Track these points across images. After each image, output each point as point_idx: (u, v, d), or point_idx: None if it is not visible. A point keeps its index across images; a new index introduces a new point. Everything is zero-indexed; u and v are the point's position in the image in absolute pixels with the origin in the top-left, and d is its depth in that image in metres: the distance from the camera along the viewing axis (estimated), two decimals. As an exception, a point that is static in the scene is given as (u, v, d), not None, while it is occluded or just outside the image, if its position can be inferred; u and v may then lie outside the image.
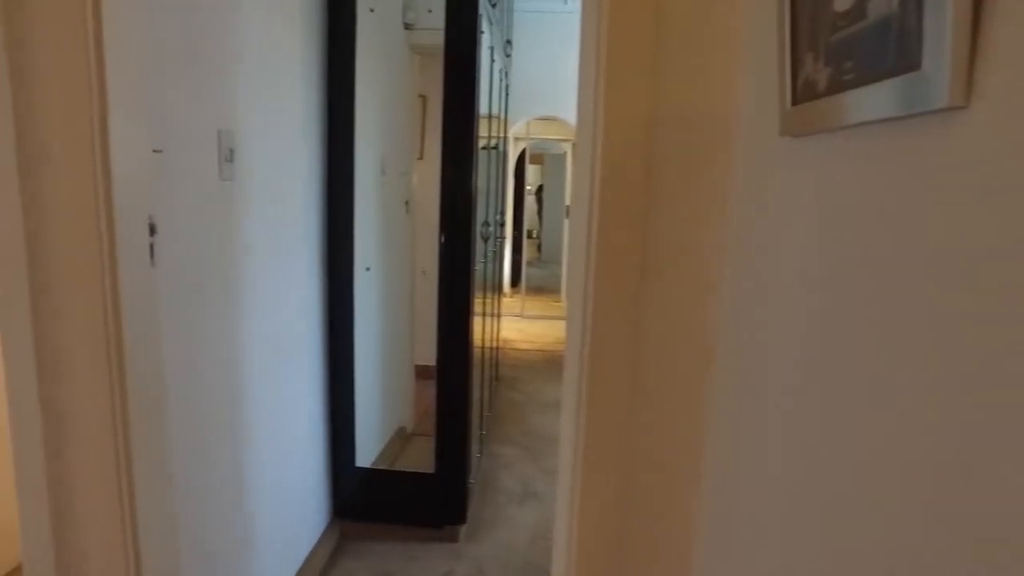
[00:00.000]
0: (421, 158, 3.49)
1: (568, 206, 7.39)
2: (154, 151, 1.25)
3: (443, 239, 2.28)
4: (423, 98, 3.57)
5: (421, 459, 2.82)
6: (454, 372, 2.39)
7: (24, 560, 1.23)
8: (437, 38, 2.33)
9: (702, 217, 1.00)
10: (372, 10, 2.41)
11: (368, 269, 2.61)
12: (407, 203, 3.24)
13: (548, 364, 5.30)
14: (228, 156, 1.57)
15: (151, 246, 1.22)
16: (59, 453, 1.17)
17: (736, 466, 0.84)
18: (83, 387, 1.14)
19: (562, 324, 6.77)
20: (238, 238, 1.66)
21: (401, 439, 3.28)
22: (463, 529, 2.54)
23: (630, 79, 1.23)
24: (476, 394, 2.81)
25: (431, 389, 2.47)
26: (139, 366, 1.18)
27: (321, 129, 2.21)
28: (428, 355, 2.60)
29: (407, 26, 3.06)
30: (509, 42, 4.12)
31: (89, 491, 1.19)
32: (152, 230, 1.23)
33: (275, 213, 1.88)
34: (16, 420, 1.16)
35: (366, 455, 2.63)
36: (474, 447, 2.78)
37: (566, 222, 7.45)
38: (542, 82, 5.86)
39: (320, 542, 2.31)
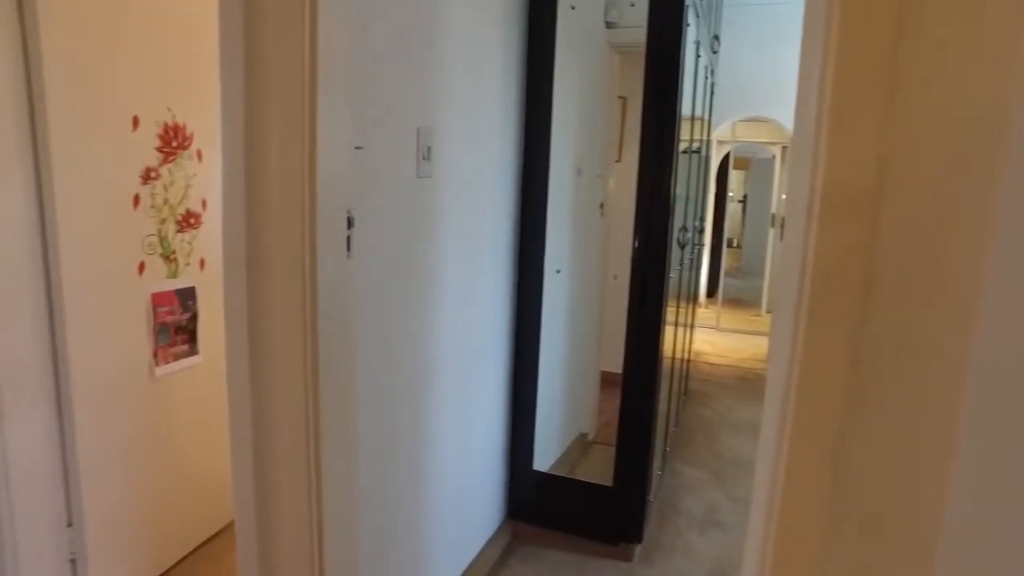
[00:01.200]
0: (619, 161, 3.40)
1: (775, 214, 6.81)
2: (356, 148, 1.31)
3: (637, 244, 2.17)
4: (623, 99, 3.48)
5: (600, 469, 2.73)
6: (641, 382, 2.27)
7: (236, 518, 1.36)
8: (639, 36, 2.23)
9: (955, 231, 0.79)
10: (573, 7, 2.37)
11: (559, 271, 2.58)
12: (602, 206, 3.17)
13: (742, 382, 4.91)
14: (426, 154, 1.61)
15: (348, 239, 1.28)
16: (262, 424, 1.27)
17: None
18: (283, 369, 1.22)
19: (759, 340, 6.27)
20: (432, 235, 1.70)
21: (581, 446, 3.23)
22: (638, 549, 2.41)
23: (864, 72, 1.03)
24: (662, 407, 2.65)
25: (616, 398, 2.37)
26: (332, 353, 1.24)
27: (518, 128, 2.22)
28: (615, 362, 2.51)
29: (608, 24, 2.99)
30: (716, 37, 3.87)
31: (284, 461, 1.28)
32: (350, 223, 1.28)
33: (469, 211, 1.91)
34: (231, 396, 1.28)
35: (544, 459, 2.60)
36: (656, 463, 2.63)
37: (771, 231, 6.88)
38: (751, 80, 5.45)
39: (492, 540, 2.32)
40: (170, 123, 2.01)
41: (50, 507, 1.84)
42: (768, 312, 6.99)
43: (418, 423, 1.73)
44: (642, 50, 2.17)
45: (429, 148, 1.62)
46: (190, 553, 2.30)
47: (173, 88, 2.01)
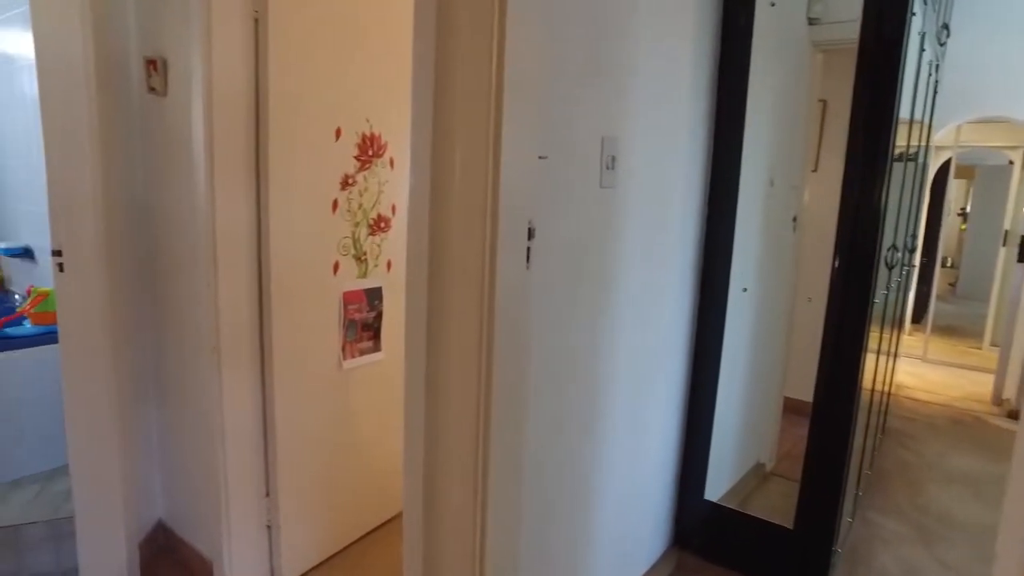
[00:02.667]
0: (815, 170, 3.10)
1: (1008, 231, 5.83)
2: (540, 158, 1.29)
3: (837, 263, 1.94)
4: (822, 103, 3.17)
5: (777, 505, 2.50)
6: (834, 414, 2.03)
7: (404, 518, 1.40)
8: (847, 32, 1.99)
9: None
10: (773, 4, 2.18)
11: (745, 290, 2.40)
12: (794, 219, 2.90)
13: (955, 424, 4.25)
14: (610, 163, 1.56)
15: (528, 249, 1.26)
16: (434, 427, 1.30)
17: None
18: (457, 375, 1.23)
19: (978, 376, 5.39)
20: (613, 248, 1.64)
21: (757, 477, 2.98)
22: (821, 604, 2.15)
23: None
24: (857, 443, 2.35)
25: (798, 426, 2.15)
26: (506, 362, 1.23)
27: (707, 134, 2.09)
28: (798, 388, 2.28)
29: (812, 20, 2.73)
30: (946, 27, 3.38)
31: (452, 466, 1.29)
32: (530, 234, 1.26)
33: (652, 223, 1.82)
34: (408, 397, 1.31)
35: (716, 487, 2.43)
36: (846, 508, 2.34)
37: (1002, 250, 5.91)
38: (984, 76, 4.71)
39: (656, 567, 2.20)
40: (367, 133, 2.15)
41: (254, 477, 2.05)
42: (994, 345, 6.00)
43: (588, 440, 1.67)
44: (851, 46, 1.94)
45: (613, 158, 1.56)
46: (365, 535, 2.45)
47: (371, 100, 2.15)
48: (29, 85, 2.83)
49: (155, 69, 1.93)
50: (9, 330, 2.51)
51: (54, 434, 2.22)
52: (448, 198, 1.21)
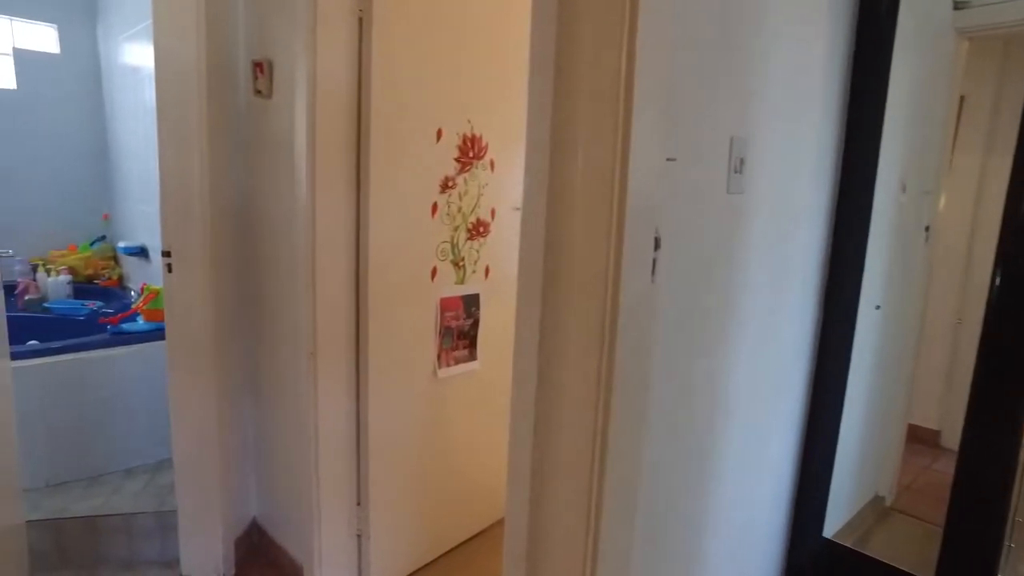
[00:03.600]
0: (949, 173, 2.79)
1: None
2: (667, 160, 1.16)
3: (999, 280, 1.69)
4: (961, 98, 2.84)
5: (901, 546, 2.24)
6: (991, 452, 1.77)
7: (507, 517, 1.30)
8: (1000, 15, 1.75)
9: None
10: (921, -13, 1.94)
11: (878, 307, 2.16)
12: (927, 229, 2.61)
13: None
14: (738, 167, 1.40)
15: (653, 261, 1.13)
16: (543, 454, 1.19)
17: None
18: (572, 397, 1.12)
19: None
20: (737, 260, 1.49)
21: (875, 511, 2.69)
22: (965, 668, 1.89)
23: None
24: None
25: (920, 456, 1.90)
26: (627, 386, 1.11)
27: (837, 133, 1.88)
28: (923, 415, 2.04)
29: (959, 5, 2.44)
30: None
31: (562, 495, 1.18)
32: (656, 244, 1.14)
33: (778, 233, 1.65)
34: (515, 417, 1.21)
35: (830, 520, 2.20)
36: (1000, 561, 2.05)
37: None
38: None
39: (768, 609, 2.01)
40: (468, 134, 2.08)
41: (346, 485, 2.02)
42: None
43: (701, 468, 1.52)
44: (1003, 31, 1.70)
45: (742, 160, 1.40)
46: (456, 547, 2.38)
47: (472, 100, 2.08)
48: (149, 94, 2.95)
49: (261, 72, 1.93)
50: (125, 326, 2.62)
51: (162, 427, 2.28)
52: (567, 204, 1.10)
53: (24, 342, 2.91)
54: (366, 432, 1.97)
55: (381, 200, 1.85)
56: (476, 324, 2.22)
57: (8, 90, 3.49)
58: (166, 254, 1.91)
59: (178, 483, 2.11)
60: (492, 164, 2.18)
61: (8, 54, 3.49)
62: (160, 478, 2.51)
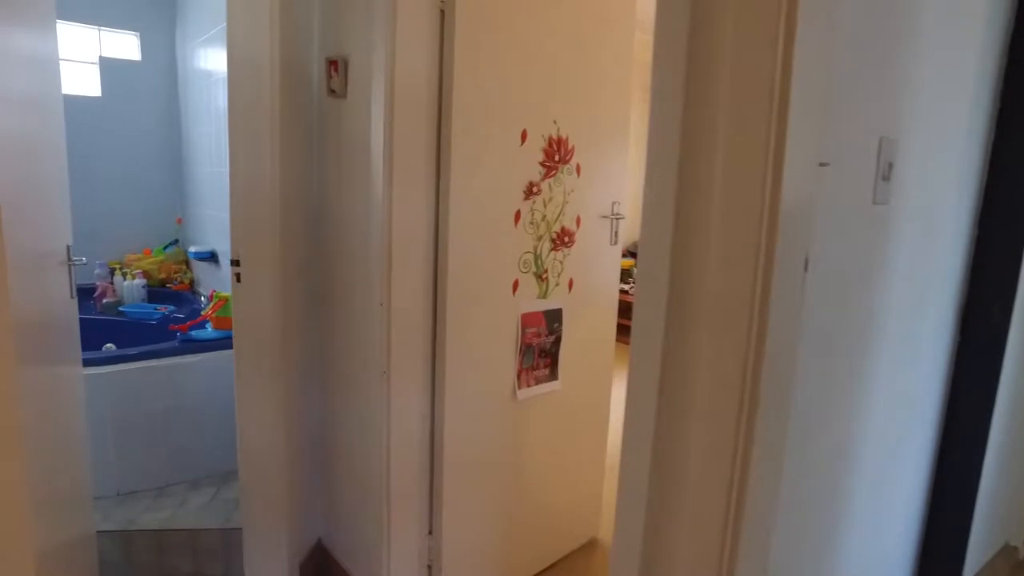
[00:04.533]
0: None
1: None
2: (820, 164, 0.96)
3: None
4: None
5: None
6: None
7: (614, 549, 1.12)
8: None
9: None
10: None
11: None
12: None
13: None
14: (886, 172, 1.18)
15: (802, 285, 0.94)
16: (661, 506, 1.00)
17: None
18: (701, 449, 0.93)
19: None
20: (879, 277, 1.26)
21: (1008, 563, 2.38)
22: None
23: None
24: None
25: None
26: (769, 432, 0.91)
27: (986, 134, 1.62)
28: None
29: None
30: None
31: (684, 548, 0.99)
32: (805, 265, 0.94)
33: (923, 247, 1.41)
34: (627, 466, 1.04)
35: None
36: None
37: None
38: None
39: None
40: (554, 136, 1.91)
41: (417, 512, 1.88)
42: None
43: (827, 515, 1.31)
44: None
45: (890, 165, 1.18)
46: (529, 580, 2.21)
47: (559, 99, 1.91)
48: (221, 97, 2.91)
49: (336, 70, 1.81)
50: (194, 333, 2.57)
51: (229, 438, 2.20)
52: (700, 220, 0.91)
53: (100, 345, 2.92)
54: (440, 457, 1.82)
55: (462, 207, 1.71)
56: (558, 341, 2.05)
57: (93, 97, 3.55)
58: (235, 263, 1.82)
59: (243, 501, 2.02)
60: (578, 169, 2.00)
61: (95, 63, 3.55)
62: (226, 491, 2.44)
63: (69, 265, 1.77)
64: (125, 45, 3.66)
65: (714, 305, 0.90)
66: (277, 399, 1.91)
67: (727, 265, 0.88)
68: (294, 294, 1.93)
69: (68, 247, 1.77)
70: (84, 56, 3.56)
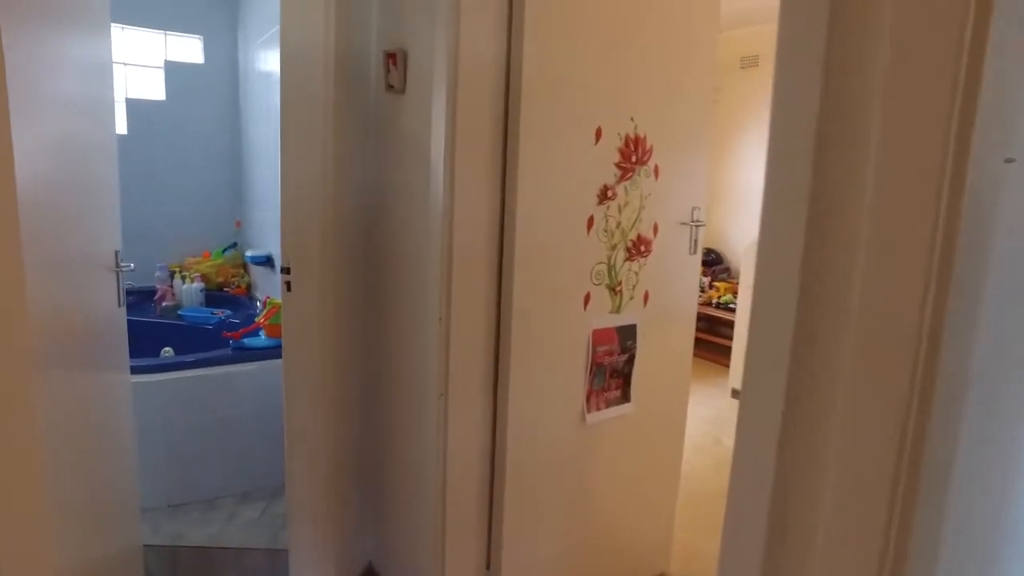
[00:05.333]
0: None
1: None
2: (1005, 160, 0.75)
3: None
4: None
5: None
6: None
7: None
8: None
9: None
10: None
11: None
12: None
13: None
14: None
15: (980, 310, 0.73)
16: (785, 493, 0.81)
17: None
18: (847, 507, 0.73)
19: None
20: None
21: None
22: None
23: None
24: None
25: None
26: (929, 509, 0.71)
27: None
28: None
29: None
30: None
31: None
32: (985, 285, 0.73)
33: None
34: (735, 508, 0.84)
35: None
36: None
37: None
38: None
39: None
40: (631, 135, 1.73)
41: (475, 543, 1.72)
42: None
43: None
44: None
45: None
46: (593, 621, 2.02)
47: (636, 95, 1.73)
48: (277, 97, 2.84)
49: (394, 63, 1.68)
50: (247, 341, 2.49)
51: (280, 451, 2.10)
52: (844, 230, 0.72)
53: (158, 349, 2.89)
54: (501, 486, 1.66)
55: (529, 213, 1.54)
56: (631, 360, 1.86)
57: (158, 101, 3.56)
58: (285, 270, 1.71)
59: (289, 522, 1.91)
60: (656, 170, 1.81)
61: (160, 67, 3.56)
62: (276, 506, 2.34)
63: (117, 271, 1.69)
64: (189, 48, 3.66)
65: (862, 336, 0.70)
66: (328, 416, 1.79)
67: (885, 286, 0.68)
68: (347, 304, 1.80)
69: (116, 252, 1.69)
70: (150, 60, 3.57)
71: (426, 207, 1.56)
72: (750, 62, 4.93)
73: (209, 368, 2.34)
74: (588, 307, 1.72)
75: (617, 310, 1.79)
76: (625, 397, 1.88)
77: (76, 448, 1.45)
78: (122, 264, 1.71)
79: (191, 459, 2.33)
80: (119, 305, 1.71)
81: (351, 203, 1.81)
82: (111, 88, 1.73)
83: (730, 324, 4.48)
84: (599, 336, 1.75)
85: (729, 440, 3.33)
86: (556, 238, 1.62)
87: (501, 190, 1.55)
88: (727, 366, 4.38)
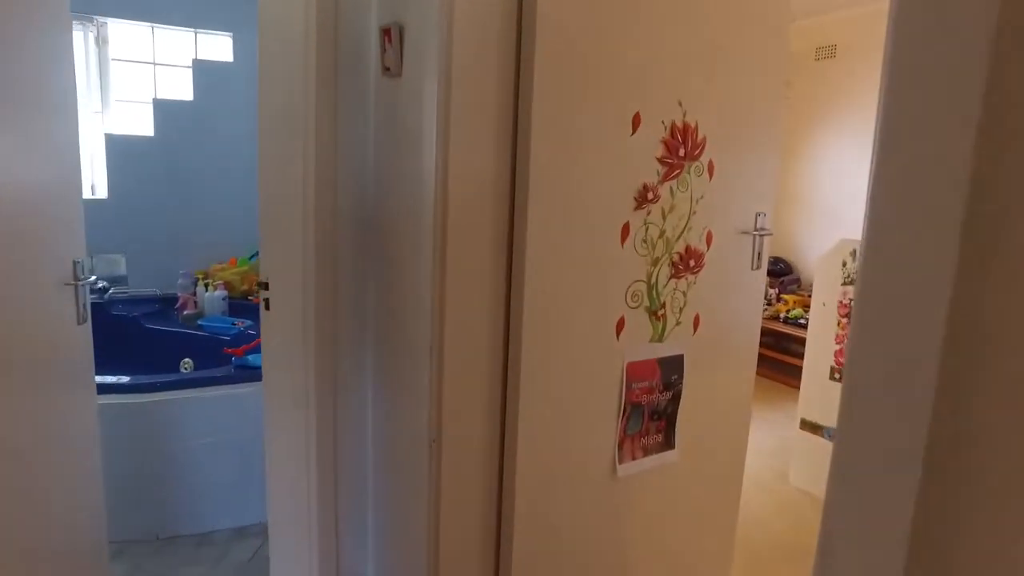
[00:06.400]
0: None
1: None
2: None
3: None
4: None
5: None
6: None
7: None
8: None
9: None
10: None
11: None
12: None
13: None
14: None
15: None
16: None
17: None
18: None
19: None
20: None
21: None
22: None
23: None
24: None
25: None
26: None
27: None
28: None
29: None
30: None
31: None
32: None
33: None
34: None
35: None
36: None
37: None
38: None
39: None
40: (679, 124, 1.40)
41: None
42: None
43: None
44: None
45: None
46: None
47: (686, 74, 1.39)
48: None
49: (389, 40, 1.40)
50: (250, 358, 2.27)
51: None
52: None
53: (178, 360, 2.73)
54: (508, 558, 1.35)
55: (545, 219, 1.24)
56: (677, 398, 1.52)
57: (186, 101, 3.42)
58: (263, 286, 1.46)
59: (273, 566, 1.66)
60: (710, 168, 1.47)
61: (188, 66, 3.43)
62: (277, 544, 2.11)
63: (76, 285, 1.47)
64: (219, 46, 3.52)
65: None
66: (310, 450, 1.53)
67: None
68: (340, 323, 1.53)
69: (77, 263, 1.47)
70: (178, 60, 3.45)
71: (417, 209, 1.27)
72: (826, 52, 4.46)
73: (204, 389, 2.12)
74: (622, 335, 1.39)
75: (659, 338, 1.45)
76: (668, 443, 1.54)
77: (10, 486, 1.24)
78: (85, 276, 1.49)
79: (184, 488, 2.12)
80: (80, 322, 1.50)
81: (348, 204, 1.54)
82: (72, 83, 1.51)
83: (799, 340, 4.03)
84: (636, 370, 1.42)
85: (799, 478, 2.91)
86: (580, 251, 1.30)
87: (510, 191, 1.25)
88: (794, 387, 3.93)
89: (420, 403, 1.28)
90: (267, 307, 1.46)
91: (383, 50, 1.45)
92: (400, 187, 1.40)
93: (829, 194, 4.48)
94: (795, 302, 4.37)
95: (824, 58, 4.46)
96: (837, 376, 2.67)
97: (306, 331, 1.45)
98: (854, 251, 2.56)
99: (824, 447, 2.74)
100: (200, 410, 2.13)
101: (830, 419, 2.71)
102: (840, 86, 4.36)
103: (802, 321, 4.14)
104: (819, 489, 2.79)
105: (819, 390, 2.76)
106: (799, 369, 3.61)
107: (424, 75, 1.25)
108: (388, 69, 1.44)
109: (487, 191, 1.22)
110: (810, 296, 4.34)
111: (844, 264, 2.60)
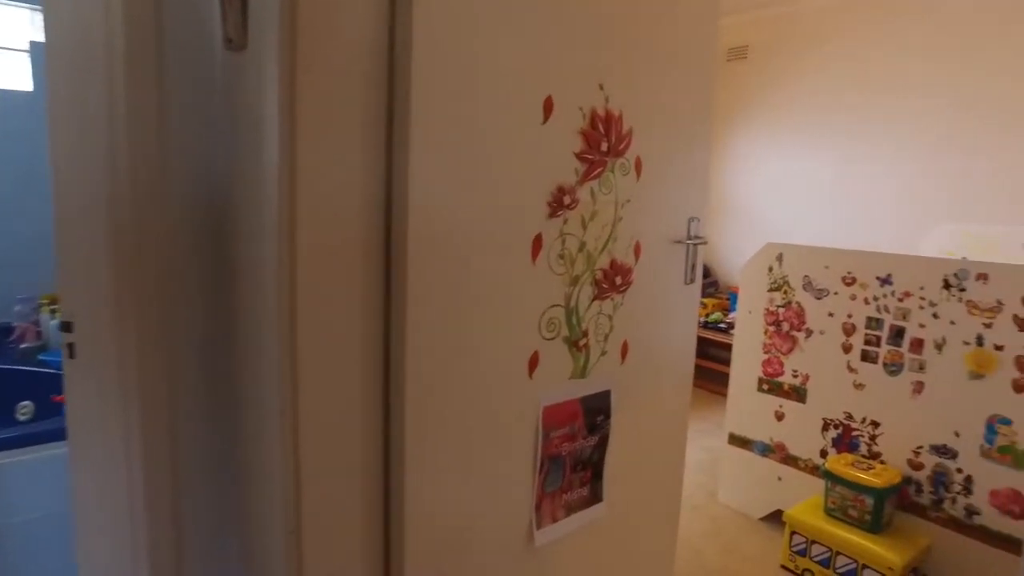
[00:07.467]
0: None
1: None
2: None
3: None
4: None
5: None
6: None
7: None
8: None
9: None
10: None
11: None
12: None
13: None
14: None
15: None
16: None
17: None
18: None
19: None
20: None
21: None
22: None
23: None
24: None
25: None
26: None
27: None
28: None
29: None
30: None
31: None
32: None
33: None
34: None
35: None
36: None
37: None
38: None
39: None
40: (600, 111, 1.15)
41: None
42: None
43: None
44: None
45: None
46: None
47: (609, 51, 1.15)
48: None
49: (230, 3, 1.07)
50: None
51: None
52: None
53: (14, 404, 2.26)
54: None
55: (428, 235, 0.95)
56: (604, 443, 1.27)
57: (23, 92, 2.90)
58: (66, 327, 1.09)
59: None
60: (638, 165, 1.23)
61: (26, 50, 2.91)
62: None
63: None
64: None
65: None
66: (137, 553, 1.17)
67: None
68: (170, 374, 1.18)
69: None
70: (12, 42, 2.92)
71: (261, 227, 0.95)
72: (737, 54, 4.41)
73: (45, 447, 1.69)
74: (537, 373, 1.12)
75: (582, 374, 1.20)
76: (595, 496, 1.29)
77: None
78: None
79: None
80: None
81: (189, 216, 1.19)
82: None
83: (720, 345, 3.94)
84: (554, 415, 1.16)
85: (728, 495, 2.76)
86: (480, 272, 1.02)
87: (385, 202, 0.95)
88: (717, 393, 3.83)
89: (275, 488, 0.96)
90: (71, 354, 1.10)
91: (224, 17, 1.12)
92: (239, 197, 1.07)
93: (743, 195, 4.44)
94: (714, 306, 4.30)
95: (735, 59, 4.42)
96: (766, 387, 2.53)
97: (125, 385, 1.09)
98: (780, 255, 2.43)
99: (754, 462, 2.60)
100: (36, 474, 1.70)
101: (759, 433, 2.57)
102: (751, 87, 4.32)
103: (722, 325, 4.06)
104: (750, 508, 2.65)
105: (747, 403, 2.62)
106: (721, 375, 3.49)
107: (264, 48, 0.94)
108: (231, 41, 1.11)
109: (353, 203, 0.92)
110: (728, 299, 4.28)
111: (771, 269, 2.46)
